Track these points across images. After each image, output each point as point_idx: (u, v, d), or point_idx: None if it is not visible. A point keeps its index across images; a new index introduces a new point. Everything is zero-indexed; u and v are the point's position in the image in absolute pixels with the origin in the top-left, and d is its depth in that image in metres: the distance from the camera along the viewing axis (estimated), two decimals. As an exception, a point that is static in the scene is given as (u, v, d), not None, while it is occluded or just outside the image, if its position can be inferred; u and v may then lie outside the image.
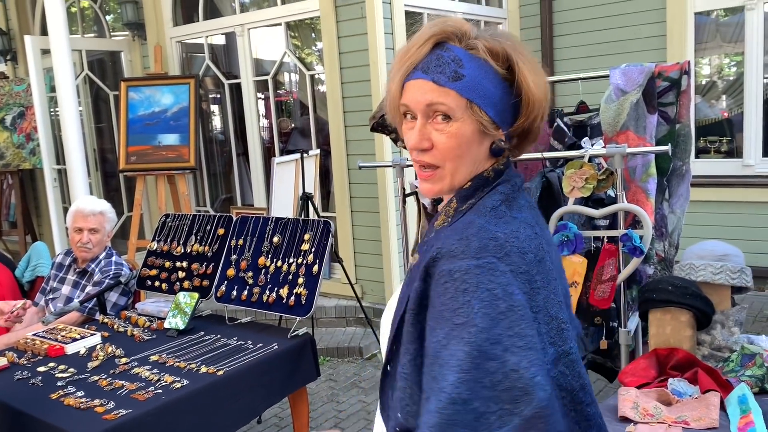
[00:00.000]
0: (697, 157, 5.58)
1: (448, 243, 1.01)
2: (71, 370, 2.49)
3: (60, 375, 2.45)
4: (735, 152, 5.56)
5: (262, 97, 6.35)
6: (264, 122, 6.76)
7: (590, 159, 2.34)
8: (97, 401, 2.20)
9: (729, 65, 5.77)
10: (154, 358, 2.58)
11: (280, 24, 5.29)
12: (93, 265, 3.26)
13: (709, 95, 5.83)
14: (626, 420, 1.85)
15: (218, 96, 7.01)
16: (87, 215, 3.25)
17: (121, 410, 2.12)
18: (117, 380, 2.37)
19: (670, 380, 1.97)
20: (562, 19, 5.86)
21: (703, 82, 5.80)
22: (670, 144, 2.33)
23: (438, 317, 0.98)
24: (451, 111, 1.03)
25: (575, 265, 2.29)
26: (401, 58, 1.06)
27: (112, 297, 3.20)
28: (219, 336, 2.76)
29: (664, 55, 5.41)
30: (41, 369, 2.51)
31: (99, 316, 3.10)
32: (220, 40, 6.61)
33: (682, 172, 2.51)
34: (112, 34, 6.68)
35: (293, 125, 7.48)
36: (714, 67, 5.85)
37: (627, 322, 2.38)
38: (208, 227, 3.17)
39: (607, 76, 2.48)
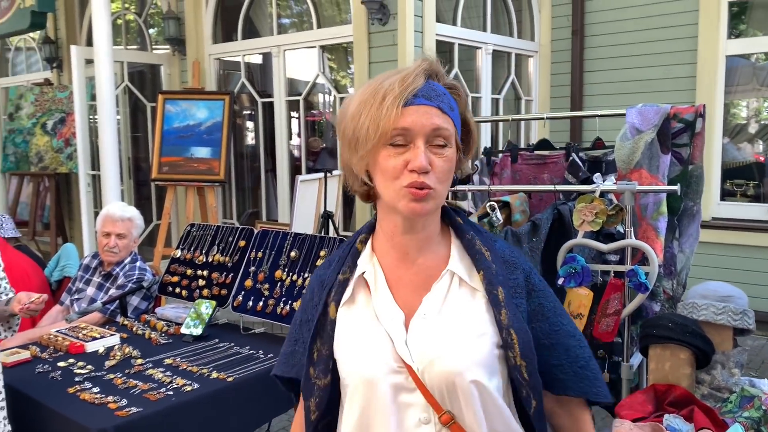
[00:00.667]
0: (722, 199, 5.57)
1: (522, 262, 1.25)
2: (89, 367, 2.59)
3: (78, 371, 2.55)
4: (762, 197, 5.54)
5: (295, 116, 6.51)
6: (294, 141, 6.92)
7: (602, 194, 2.39)
8: (110, 398, 2.28)
9: (764, 109, 5.77)
10: (168, 361, 2.67)
11: (314, 47, 5.44)
12: (118, 269, 3.38)
13: (738, 138, 5.83)
14: (618, 451, 1.88)
15: (251, 113, 7.20)
16: (116, 220, 3.38)
17: (132, 408, 2.20)
18: (131, 380, 2.46)
19: (666, 416, 1.99)
20: (593, 56, 5.93)
21: (733, 125, 5.80)
22: (680, 184, 2.37)
23: (558, 312, 1.25)
24: (450, 137, 1.11)
25: (581, 298, 2.33)
26: (402, 83, 1.09)
27: (134, 301, 3.31)
28: (232, 344, 2.84)
29: (693, 96, 5.43)
30: (61, 364, 2.62)
31: (120, 318, 3.21)
32: (256, 59, 6.80)
33: (692, 213, 2.55)
34: (153, 47, 6.92)
35: (323, 145, 7.62)
36: (745, 110, 5.86)
37: (630, 357, 2.41)
38: (231, 238, 3.27)
39: (624, 115, 2.54)
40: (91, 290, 3.40)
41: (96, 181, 6.07)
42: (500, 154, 2.90)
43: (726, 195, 5.63)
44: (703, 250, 5.38)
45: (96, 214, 6.00)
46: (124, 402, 2.26)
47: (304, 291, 2.88)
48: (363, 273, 1.20)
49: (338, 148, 5.63)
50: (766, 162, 5.59)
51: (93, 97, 6.12)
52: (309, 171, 5.92)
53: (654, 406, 2.06)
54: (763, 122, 5.78)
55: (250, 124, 7.53)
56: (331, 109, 7.90)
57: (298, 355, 1.29)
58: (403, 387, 1.12)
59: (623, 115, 2.59)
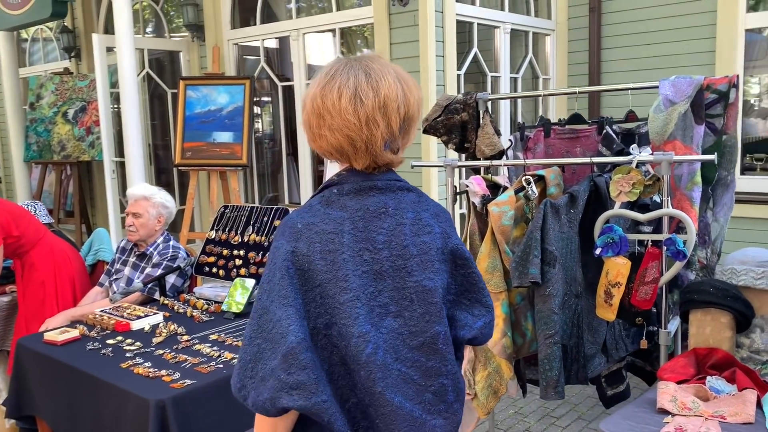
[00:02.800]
0: (742, 173, 5.58)
1: None
2: (138, 343, 2.68)
3: (128, 348, 2.64)
4: (782, 170, 5.55)
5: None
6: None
7: (638, 165, 2.43)
8: (163, 371, 2.37)
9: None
10: (213, 336, 2.75)
11: (334, 30, 5.47)
12: (151, 249, 3.45)
13: (757, 113, 5.82)
14: (664, 412, 1.94)
15: (271, 98, 7.25)
16: (131, 199, 3.45)
17: (186, 380, 2.28)
18: (180, 354, 2.54)
19: (709, 378, 2.05)
20: (610, 33, 5.92)
21: (752, 100, 5.79)
22: (715, 154, 2.41)
23: None
24: None
25: (619, 267, 2.38)
26: None
27: (170, 278, 3.39)
28: (273, 320, 2.91)
29: (713, 70, 5.43)
30: (110, 341, 2.70)
31: (159, 297, 3.29)
32: (275, 44, 6.84)
33: (726, 182, 2.59)
34: (171, 35, 6.96)
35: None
36: (764, 85, 5.84)
37: (667, 323, 2.46)
38: (265, 219, 3.34)
39: (656, 87, 2.57)
40: (127, 270, 3.49)
41: (120, 168, 6.14)
42: (533, 130, 2.94)
43: (746, 169, 5.64)
44: (725, 224, 5.43)
45: (121, 201, 6.10)
46: (177, 375, 2.34)
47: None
48: None
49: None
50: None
51: (113, 85, 6.18)
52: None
53: (696, 369, 2.12)
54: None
55: (268, 109, 7.57)
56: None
57: None
58: None
59: (655, 88, 2.62)
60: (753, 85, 5.83)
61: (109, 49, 5.94)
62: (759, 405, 1.94)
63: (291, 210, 3.31)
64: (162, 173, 7.41)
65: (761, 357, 2.17)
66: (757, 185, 5.50)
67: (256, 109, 7.15)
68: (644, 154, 2.41)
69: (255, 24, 6.02)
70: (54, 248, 3.59)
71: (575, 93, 2.84)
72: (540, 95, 3.15)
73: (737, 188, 5.43)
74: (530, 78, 6.22)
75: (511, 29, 5.64)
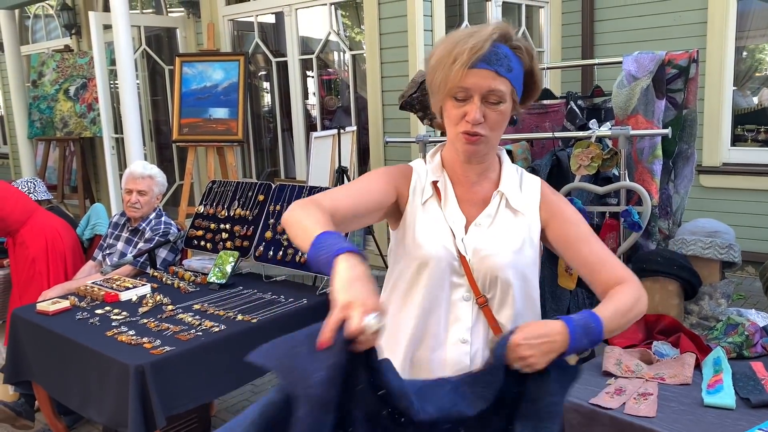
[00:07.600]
0: (733, 145, 5.61)
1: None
2: (124, 313, 2.81)
3: (115, 317, 2.78)
4: (772, 142, 5.58)
5: (310, 75, 6.60)
6: (310, 100, 7.02)
7: (599, 140, 2.51)
8: (145, 339, 2.50)
9: (772, 54, 5.76)
10: (196, 306, 2.88)
11: (326, 4, 5.52)
12: (144, 224, 3.58)
13: (749, 84, 5.83)
14: (609, 374, 2.05)
15: (266, 73, 7.31)
16: (137, 178, 3.56)
17: (166, 347, 2.42)
18: (163, 323, 2.67)
19: (655, 343, 2.15)
20: (603, 5, 5.92)
21: (743, 71, 5.80)
22: (674, 128, 2.48)
23: None
24: (503, 96, 1.37)
25: (578, 238, 2.47)
26: (470, 50, 1.31)
27: (162, 253, 3.52)
28: (255, 291, 3.05)
29: (704, 42, 5.43)
30: (98, 311, 2.84)
31: (150, 270, 3.43)
32: (269, 19, 6.89)
33: (687, 155, 2.66)
34: (168, 10, 7.03)
35: (339, 104, 7.73)
36: (755, 55, 5.84)
37: (626, 292, 2.56)
38: (250, 194, 3.45)
39: (620, 63, 2.63)
40: (120, 245, 3.62)
41: (120, 144, 6.27)
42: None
43: (737, 140, 5.66)
44: (714, 195, 5.48)
45: (121, 176, 6.23)
46: (158, 342, 2.47)
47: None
48: (436, 181, 1.49)
49: (353, 105, 5.75)
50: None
51: (113, 62, 6.28)
52: (325, 129, 6.05)
53: (644, 335, 2.23)
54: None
55: (266, 85, 7.65)
56: (346, 67, 7.97)
57: None
58: (456, 271, 1.45)
59: (616, 63, 2.69)
60: (746, 56, 5.83)
61: (107, 27, 6.03)
62: (699, 368, 2.04)
63: (278, 183, 3.42)
64: (164, 149, 7.54)
65: (709, 323, 2.27)
66: (747, 156, 5.54)
67: (253, 86, 7.22)
68: (603, 129, 2.49)
69: (249, 0, 6.08)
70: (45, 226, 3.72)
71: (544, 68, 2.89)
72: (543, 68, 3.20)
73: (728, 160, 5.51)
74: (524, 51, 6.25)
75: (503, 2, 5.66)
